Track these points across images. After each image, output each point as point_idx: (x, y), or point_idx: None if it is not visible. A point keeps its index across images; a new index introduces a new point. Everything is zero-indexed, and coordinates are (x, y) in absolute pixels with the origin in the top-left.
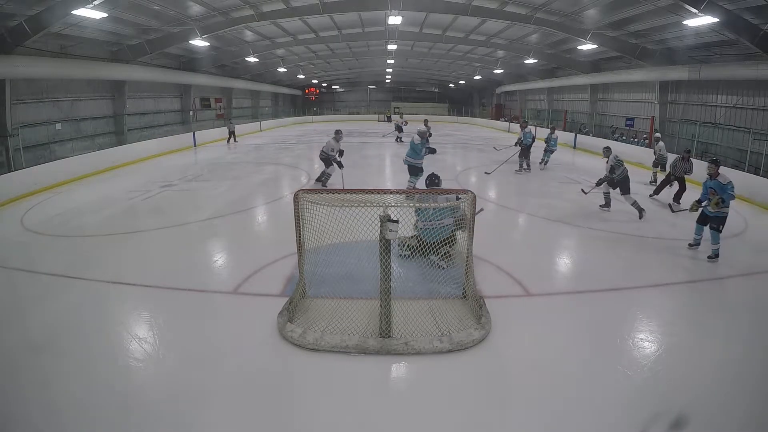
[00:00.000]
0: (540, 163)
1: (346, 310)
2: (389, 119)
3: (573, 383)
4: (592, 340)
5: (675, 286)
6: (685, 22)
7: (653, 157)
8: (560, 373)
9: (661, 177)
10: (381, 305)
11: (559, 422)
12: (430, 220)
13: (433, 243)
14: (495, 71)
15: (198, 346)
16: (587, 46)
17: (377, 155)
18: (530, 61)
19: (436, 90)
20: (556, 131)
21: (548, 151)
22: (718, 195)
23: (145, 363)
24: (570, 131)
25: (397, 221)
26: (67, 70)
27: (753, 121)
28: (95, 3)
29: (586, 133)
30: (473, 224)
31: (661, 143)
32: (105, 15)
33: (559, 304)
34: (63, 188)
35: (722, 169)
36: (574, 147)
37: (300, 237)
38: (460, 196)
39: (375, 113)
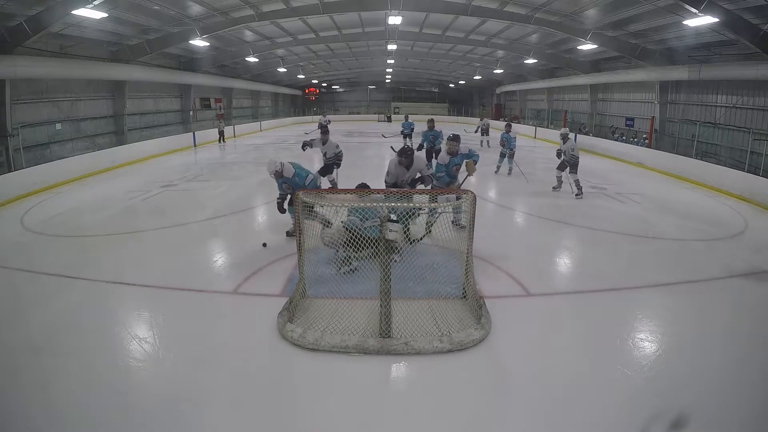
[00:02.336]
0: (497, 171)
1: (346, 310)
2: (389, 119)
3: (573, 383)
4: (592, 340)
5: (675, 286)
6: (685, 22)
7: (560, 159)
8: (560, 373)
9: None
10: (381, 305)
11: (559, 422)
12: (369, 219)
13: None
14: (495, 71)
15: (198, 346)
16: (587, 46)
17: (377, 155)
18: (530, 61)
19: (436, 90)
20: (513, 128)
21: (505, 155)
22: (470, 159)
23: (145, 363)
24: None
25: (397, 221)
26: (67, 70)
27: (753, 121)
28: (95, 3)
29: (586, 133)
30: (473, 224)
31: (571, 141)
32: (105, 15)
33: (559, 304)
34: (63, 188)
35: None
36: None
37: (300, 237)
38: (460, 196)
39: (375, 113)
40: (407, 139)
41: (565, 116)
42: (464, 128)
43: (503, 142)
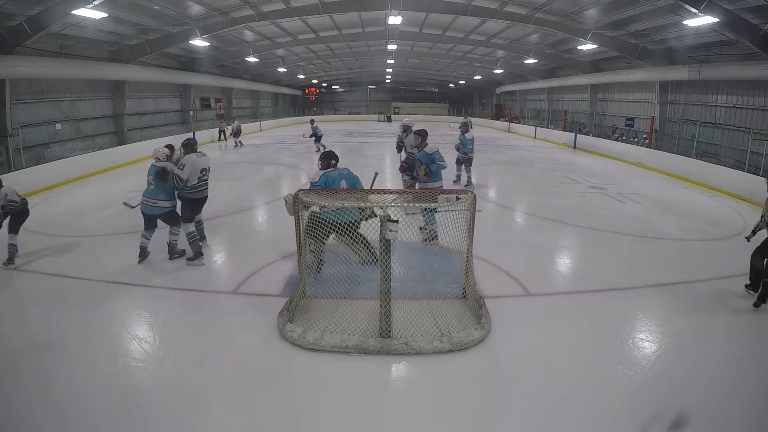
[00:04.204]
0: (456, 181)
1: (346, 310)
2: (389, 119)
3: (573, 383)
4: (592, 340)
5: (675, 286)
6: (685, 22)
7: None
8: (560, 373)
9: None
10: (381, 305)
11: (559, 422)
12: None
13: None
14: (495, 71)
15: (198, 346)
16: (587, 46)
17: (377, 155)
18: (530, 61)
19: (436, 90)
20: (471, 130)
21: (463, 161)
22: (425, 165)
23: (145, 363)
24: (570, 131)
25: (397, 221)
26: (67, 70)
27: (753, 121)
28: (95, 3)
29: (586, 133)
30: (473, 224)
31: (410, 138)
32: (105, 15)
33: (559, 304)
34: (63, 188)
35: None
36: (574, 147)
37: (300, 237)
38: (459, 196)
39: (375, 113)
40: (318, 142)
41: (565, 116)
42: (449, 125)
43: (457, 146)
